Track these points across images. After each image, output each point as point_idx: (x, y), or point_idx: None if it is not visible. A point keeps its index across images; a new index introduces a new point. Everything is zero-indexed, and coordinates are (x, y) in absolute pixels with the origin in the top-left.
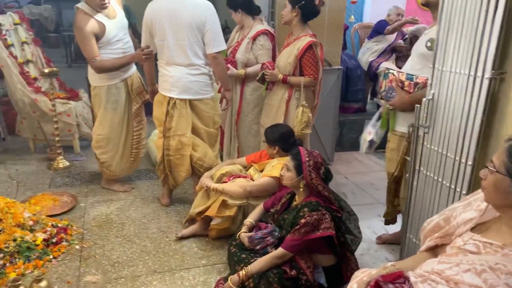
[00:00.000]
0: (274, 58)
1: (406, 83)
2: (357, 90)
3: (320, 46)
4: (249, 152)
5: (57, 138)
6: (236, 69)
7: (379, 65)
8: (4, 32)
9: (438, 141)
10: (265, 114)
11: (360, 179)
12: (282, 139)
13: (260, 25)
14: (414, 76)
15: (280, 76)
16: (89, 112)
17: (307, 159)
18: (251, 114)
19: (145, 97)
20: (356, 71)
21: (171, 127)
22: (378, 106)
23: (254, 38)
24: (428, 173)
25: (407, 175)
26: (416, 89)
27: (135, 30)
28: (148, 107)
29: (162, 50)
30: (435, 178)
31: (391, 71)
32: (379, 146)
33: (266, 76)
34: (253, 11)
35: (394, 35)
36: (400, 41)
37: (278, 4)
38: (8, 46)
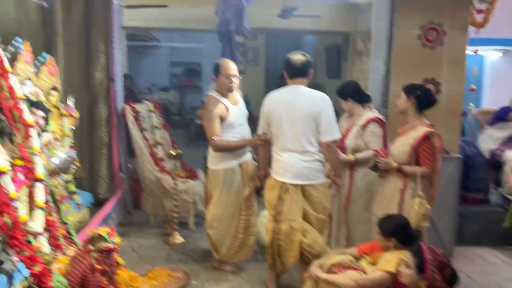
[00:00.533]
0: (385, 145)
1: None
2: (478, 179)
3: (438, 136)
4: (358, 240)
5: (175, 215)
6: (345, 154)
7: (502, 153)
8: (140, 118)
9: None
10: (378, 202)
11: (485, 279)
12: (399, 231)
13: (370, 113)
14: None
15: (395, 164)
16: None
17: (430, 257)
18: (361, 200)
19: (257, 183)
20: (476, 159)
21: (282, 211)
22: (505, 198)
23: (364, 126)
24: None
25: None
26: None
27: (252, 117)
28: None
29: (277, 137)
30: None
31: None
32: (506, 242)
33: (379, 164)
34: (363, 100)
35: None
36: None
37: (392, 92)
38: (142, 130)
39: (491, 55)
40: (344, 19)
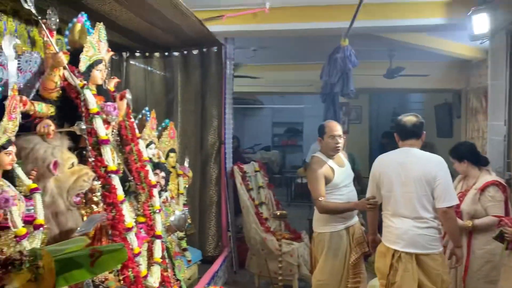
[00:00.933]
0: (507, 212)
1: None
2: None
3: None
4: None
5: (280, 277)
6: (461, 220)
7: None
8: (247, 178)
9: None
10: (505, 277)
11: None
12: None
13: (488, 176)
14: None
15: None
16: (308, 253)
17: None
18: (481, 272)
19: (365, 249)
20: None
21: (395, 281)
22: None
23: (483, 189)
24: None
25: None
26: None
27: (359, 178)
28: None
29: (388, 201)
30: None
31: None
32: None
33: (506, 235)
34: (480, 162)
35: None
36: None
37: None
38: (249, 190)
39: None
40: (454, 76)
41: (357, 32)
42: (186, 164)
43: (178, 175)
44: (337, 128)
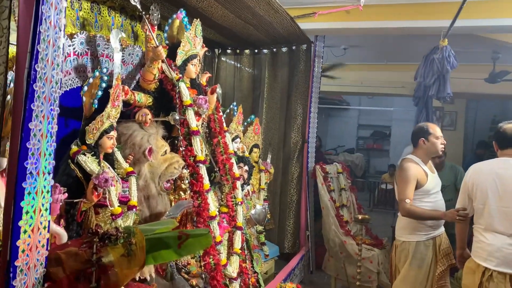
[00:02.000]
0: None
1: None
2: None
3: None
4: None
5: (358, 283)
6: None
7: None
8: (329, 179)
9: None
10: None
11: None
12: None
13: None
14: None
15: None
16: (389, 262)
17: None
18: None
19: (452, 261)
20: None
21: None
22: None
23: None
24: None
25: None
26: None
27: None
28: None
29: (481, 214)
30: None
31: None
32: None
33: None
34: None
35: None
36: None
37: None
38: (330, 191)
39: None
40: None
41: (459, 31)
42: (268, 160)
43: (260, 171)
44: (440, 131)
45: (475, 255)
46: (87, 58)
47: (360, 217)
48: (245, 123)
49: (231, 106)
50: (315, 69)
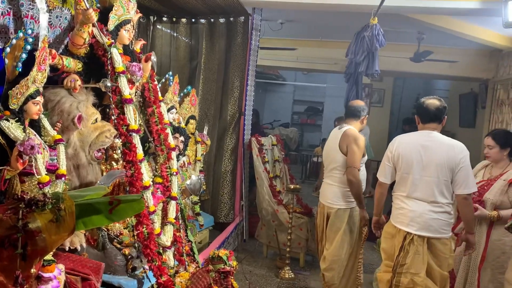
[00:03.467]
0: None
1: None
2: None
3: None
4: None
5: (288, 249)
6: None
7: None
8: (264, 151)
9: None
10: None
11: None
12: None
13: None
14: None
15: None
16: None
17: None
18: (496, 262)
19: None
20: None
21: (405, 263)
22: None
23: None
24: None
25: None
26: None
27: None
28: None
29: (404, 183)
30: None
31: None
32: None
33: None
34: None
35: None
36: None
37: None
38: (264, 163)
39: None
40: (483, 65)
41: (387, 11)
42: (205, 131)
43: (196, 142)
44: None
45: (396, 220)
46: (9, 19)
47: (292, 187)
48: (182, 94)
49: (167, 75)
50: (252, 42)
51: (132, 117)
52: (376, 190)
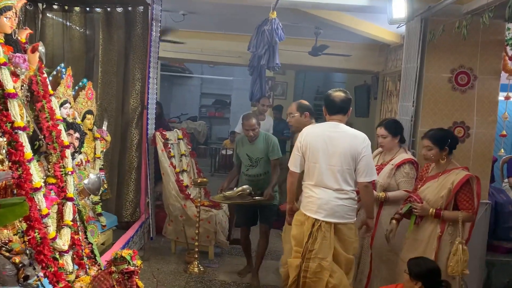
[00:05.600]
0: (415, 188)
1: None
2: (508, 227)
3: (477, 180)
4: (378, 280)
5: (196, 243)
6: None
7: None
8: (169, 145)
9: None
10: (410, 249)
11: None
12: (429, 276)
13: (404, 153)
14: None
15: (432, 210)
16: (226, 221)
17: None
18: (383, 240)
19: None
20: (506, 207)
21: (313, 249)
22: None
23: (399, 165)
24: None
25: None
26: None
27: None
28: None
29: (312, 172)
30: None
31: None
32: None
33: (415, 210)
34: (403, 140)
35: None
36: None
37: (420, 134)
38: (170, 157)
39: None
40: (374, 59)
41: (285, 5)
42: (104, 127)
43: (95, 138)
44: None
45: (305, 208)
46: None
47: (199, 181)
48: (76, 87)
49: (59, 67)
50: (152, 33)
51: (18, 113)
52: (287, 180)
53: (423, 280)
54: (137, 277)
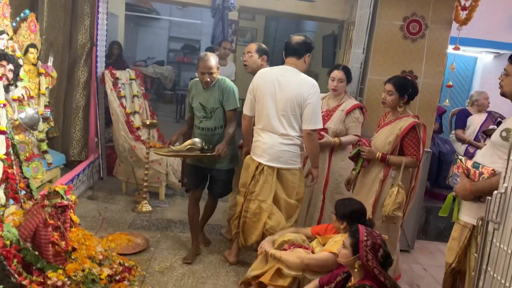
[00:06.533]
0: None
1: (472, 171)
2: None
3: (424, 127)
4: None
5: (145, 184)
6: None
7: (474, 152)
8: (119, 85)
9: (509, 241)
10: (356, 192)
11: (441, 273)
12: (353, 216)
13: (352, 99)
14: (480, 165)
15: (379, 154)
16: (179, 163)
17: (365, 238)
18: (334, 184)
19: None
20: (449, 156)
21: (254, 191)
22: None
23: (349, 111)
24: (495, 275)
25: (472, 272)
26: (480, 179)
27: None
28: None
29: (261, 116)
30: (503, 282)
31: (459, 157)
32: None
33: (362, 153)
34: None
35: (483, 118)
36: (493, 126)
37: (368, 82)
38: (120, 97)
39: (484, 57)
40: (340, 7)
41: None
42: (50, 63)
43: (39, 74)
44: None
45: (252, 152)
46: None
47: (148, 122)
48: (18, 19)
49: None
50: None
51: None
52: (242, 123)
53: (347, 220)
54: (71, 211)
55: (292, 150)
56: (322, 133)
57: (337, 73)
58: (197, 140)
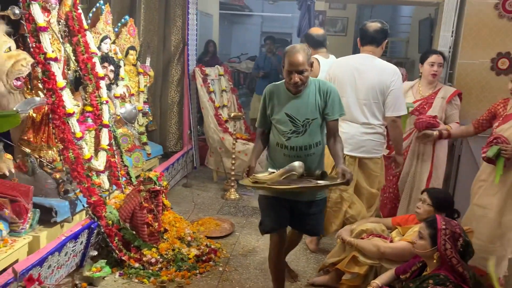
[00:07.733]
0: None
1: None
2: None
3: None
4: None
5: (232, 173)
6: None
7: None
8: (209, 81)
9: None
10: (486, 193)
11: None
12: (451, 210)
13: (448, 86)
14: None
15: None
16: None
17: (443, 226)
18: (442, 177)
19: None
20: None
21: None
22: None
23: (450, 98)
24: None
25: None
26: None
27: None
28: None
29: None
30: None
31: None
32: None
33: (504, 153)
34: None
35: None
36: None
37: (458, 66)
38: (210, 92)
39: None
40: None
41: None
42: (147, 63)
43: (138, 73)
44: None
45: None
46: None
47: (232, 115)
48: (119, 24)
49: (98, 4)
50: None
51: (49, 45)
52: None
53: (446, 213)
54: (163, 196)
55: (375, 139)
56: (438, 120)
57: (436, 57)
58: (296, 164)
